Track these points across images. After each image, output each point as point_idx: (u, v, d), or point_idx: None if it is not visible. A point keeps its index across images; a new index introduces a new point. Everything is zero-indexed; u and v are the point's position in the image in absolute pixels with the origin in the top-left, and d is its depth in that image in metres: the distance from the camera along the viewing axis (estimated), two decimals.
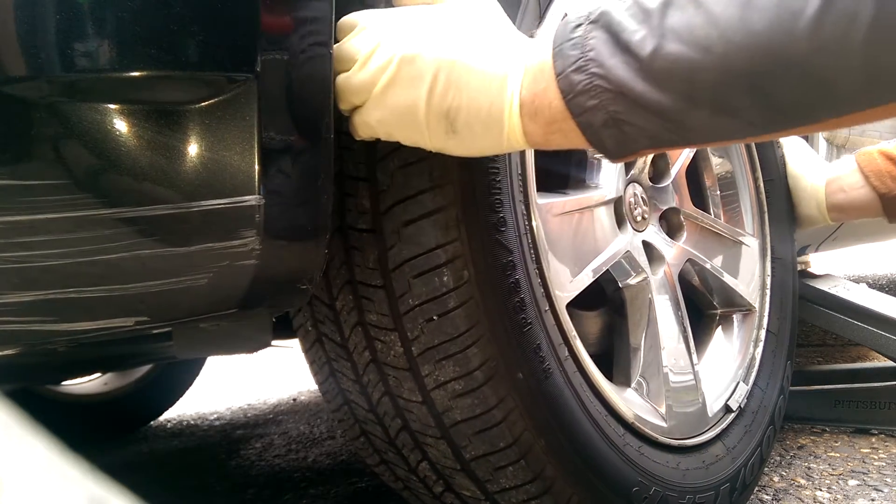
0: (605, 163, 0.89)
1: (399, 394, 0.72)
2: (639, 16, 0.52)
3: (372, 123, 0.60)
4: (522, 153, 0.74)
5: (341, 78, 0.61)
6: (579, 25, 0.54)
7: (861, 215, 1.17)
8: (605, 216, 0.87)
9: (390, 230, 0.67)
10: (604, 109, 0.53)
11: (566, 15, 0.80)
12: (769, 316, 1.13)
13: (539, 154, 0.78)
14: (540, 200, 0.76)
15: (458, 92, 0.57)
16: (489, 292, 0.67)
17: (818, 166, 1.22)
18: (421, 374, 0.69)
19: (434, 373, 0.69)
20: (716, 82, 0.49)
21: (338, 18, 0.60)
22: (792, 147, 1.25)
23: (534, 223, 0.74)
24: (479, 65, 0.57)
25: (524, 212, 0.73)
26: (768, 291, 1.15)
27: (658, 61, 0.50)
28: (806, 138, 1.41)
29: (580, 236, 0.83)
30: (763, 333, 1.12)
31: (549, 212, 0.78)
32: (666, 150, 0.57)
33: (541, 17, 0.77)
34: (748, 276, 1.13)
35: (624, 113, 0.53)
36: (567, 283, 0.79)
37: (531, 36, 0.75)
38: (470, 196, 0.66)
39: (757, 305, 1.13)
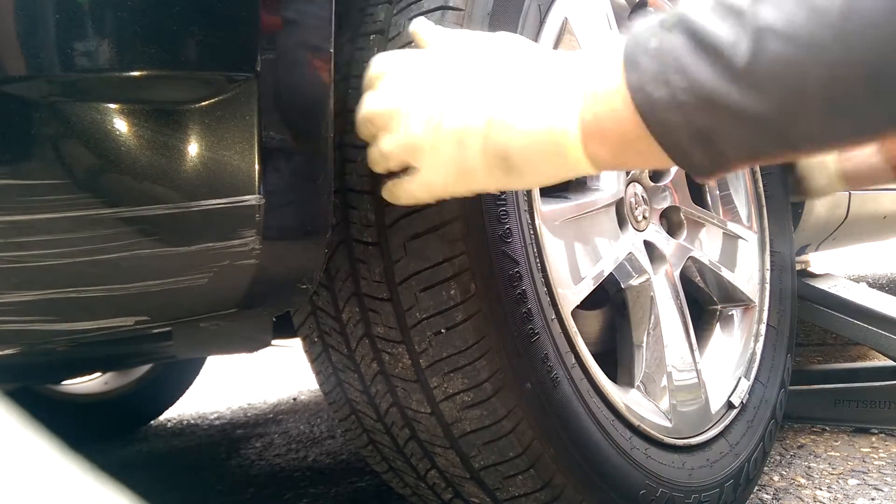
0: None
1: (407, 405, 0.72)
2: (725, 15, 0.46)
3: (435, 185, 0.58)
4: None
5: (385, 140, 0.58)
6: (652, 34, 0.49)
7: (874, 183, 1.18)
8: (607, 219, 0.87)
9: (396, 244, 0.66)
10: (691, 125, 0.47)
11: (566, 19, 0.80)
12: (769, 310, 1.13)
13: None
14: (543, 207, 0.76)
15: (510, 132, 0.53)
16: (496, 304, 0.67)
17: None
18: (429, 385, 0.69)
19: (443, 385, 0.69)
20: (829, 80, 0.44)
21: (337, 17, 0.60)
22: None
23: (538, 232, 0.74)
24: (528, 99, 0.53)
25: (529, 221, 0.73)
26: (768, 285, 1.15)
27: (758, 65, 0.45)
28: None
29: (584, 241, 0.83)
30: (763, 328, 1.12)
31: (553, 219, 0.78)
32: (767, 161, 0.53)
33: (541, 21, 0.77)
34: (748, 271, 1.13)
35: (715, 126, 0.47)
36: (572, 290, 0.79)
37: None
38: (475, 209, 0.66)
39: (757, 300, 1.13)
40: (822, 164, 1.21)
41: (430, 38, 0.60)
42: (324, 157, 0.58)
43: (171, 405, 2.19)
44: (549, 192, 0.81)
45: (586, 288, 0.81)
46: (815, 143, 0.49)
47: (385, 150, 0.59)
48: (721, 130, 0.47)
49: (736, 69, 0.45)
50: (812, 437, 1.36)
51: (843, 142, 0.49)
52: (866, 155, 1.15)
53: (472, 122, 0.54)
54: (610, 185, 0.87)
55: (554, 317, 0.74)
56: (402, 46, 0.67)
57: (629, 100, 0.49)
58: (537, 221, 0.74)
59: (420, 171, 0.58)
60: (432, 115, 0.55)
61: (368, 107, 0.59)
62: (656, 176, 1.02)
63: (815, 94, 0.45)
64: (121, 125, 0.49)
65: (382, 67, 0.60)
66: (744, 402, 1.02)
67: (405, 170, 0.60)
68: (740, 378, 1.04)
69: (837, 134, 0.48)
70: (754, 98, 0.45)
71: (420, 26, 0.62)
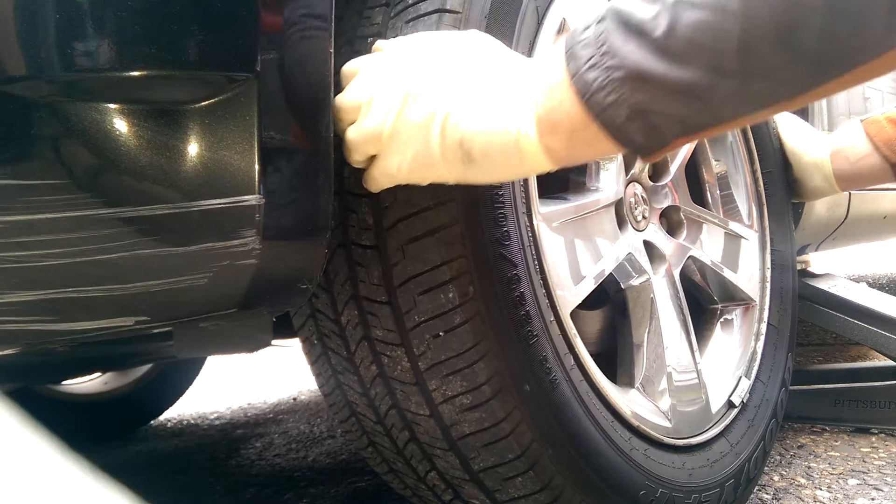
0: (605, 164, 0.89)
1: (406, 407, 0.72)
2: None
3: (392, 171, 0.60)
4: None
5: (350, 129, 0.61)
6: (588, 27, 0.53)
7: (872, 183, 1.16)
8: (606, 219, 0.87)
9: (394, 247, 0.66)
10: (625, 103, 0.50)
11: (564, 20, 0.80)
12: (770, 309, 1.13)
13: None
14: (542, 209, 0.76)
15: (467, 120, 0.56)
16: (495, 307, 0.67)
17: (817, 139, 1.21)
18: (428, 388, 0.69)
19: (441, 387, 0.69)
20: (741, 43, 0.46)
21: (337, 16, 0.60)
22: (786, 124, 1.24)
23: (537, 234, 0.74)
24: (486, 91, 0.56)
25: (527, 223, 0.73)
26: (768, 284, 1.15)
27: (676, 35, 0.47)
28: (805, 113, 1.39)
29: (583, 242, 0.83)
30: (764, 327, 1.11)
31: (552, 220, 0.78)
32: (699, 135, 0.54)
33: (539, 22, 0.77)
34: (748, 270, 1.13)
35: (648, 101, 0.50)
36: (571, 292, 0.78)
37: (530, 42, 0.75)
38: (473, 211, 0.66)
39: (757, 299, 1.13)
40: (818, 166, 1.20)
41: (397, 45, 0.63)
42: (324, 157, 0.58)
43: (171, 405, 2.19)
44: (548, 193, 0.81)
45: (585, 289, 0.81)
46: (739, 110, 0.51)
47: (349, 140, 0.61)
48: (654, 105, 0.50)
49: (658, 41, 0.48)
50: (812, 437, 1.36)
51: (765, 107, 0.51)
52: (864, 154, 1.13)
53: (432, 112, 0.57)
54: (609, 186, 0.87)
55: (552, 318, 0.74)
56: None
57: (571, 88, 0.52)
58: (536, 223, 0.74)
59: (379, 157, 0.61)
60: (392, 105, 0.58)
61: (338, 102, 0.61)
62: (656, 175, 1.02)
63: (731, 57, 0.47)
64: (121, 125, 0.49)
65: (354, 67, 0.62)
66: (744, 401, 1.02)
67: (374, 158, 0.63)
68: (741, 377, 1.04)
69: (758, 98, 0.50)
70: (677, 67, 0.48)
71: (383, 42, 0.65)
